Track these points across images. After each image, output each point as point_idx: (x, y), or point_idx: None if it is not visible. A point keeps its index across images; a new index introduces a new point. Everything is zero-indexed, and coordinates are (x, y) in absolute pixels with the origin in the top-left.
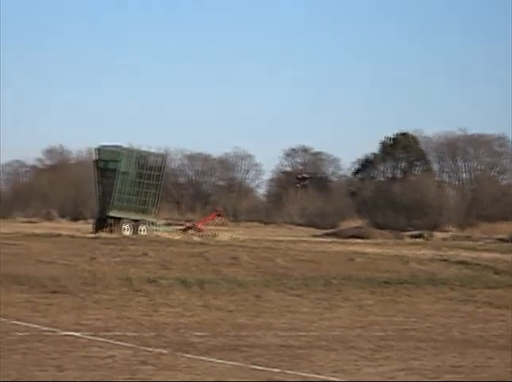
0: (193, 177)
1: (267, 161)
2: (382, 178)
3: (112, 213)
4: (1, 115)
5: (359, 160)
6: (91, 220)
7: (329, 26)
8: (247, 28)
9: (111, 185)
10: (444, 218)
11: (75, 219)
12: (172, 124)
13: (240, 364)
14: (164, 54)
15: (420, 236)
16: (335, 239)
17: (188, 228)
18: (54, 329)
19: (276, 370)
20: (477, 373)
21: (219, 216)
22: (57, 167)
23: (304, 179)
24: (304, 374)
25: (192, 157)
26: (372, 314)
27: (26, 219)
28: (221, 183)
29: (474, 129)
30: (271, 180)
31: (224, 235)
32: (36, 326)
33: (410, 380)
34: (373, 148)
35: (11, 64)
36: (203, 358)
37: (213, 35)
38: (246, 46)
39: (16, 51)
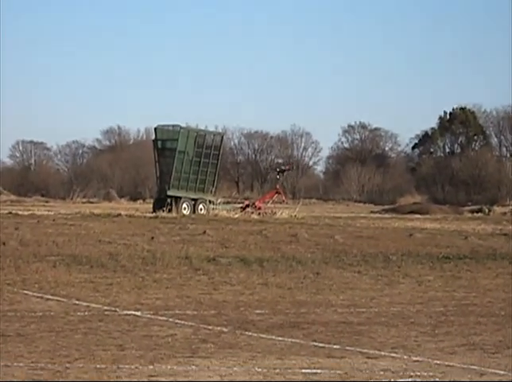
0: (251, 156)
1: (325, 138)
2: (440, 153)
3: (171, 193)
4: (58, 97)
5: (418, 135)
6: (150, 200)
7: (387, 4)
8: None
9: (170, 165)
10: (503, 192)
11: (134, 199)
12: (229, 103)
13: (300, 341)
14: (219, 34)
15: (479, 211)
16: (394, 215)
17: (247, 206)
18: (115, 309)
19: (336, 347)
20: None
21: (278, 193)
22: (116, 148)
23: (283, 171)
24: (364, 350)
25: (250, 136)
26: (432, 290)
27: (85, 199)
28: (279, 161)
29: None
30: (329, 157)
31: (283, 213)
32: (97, 306)
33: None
34: (431, 123)
35: (72, 49)
36: (264, 336)
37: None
38: (305, 24)
39: (74, 41)
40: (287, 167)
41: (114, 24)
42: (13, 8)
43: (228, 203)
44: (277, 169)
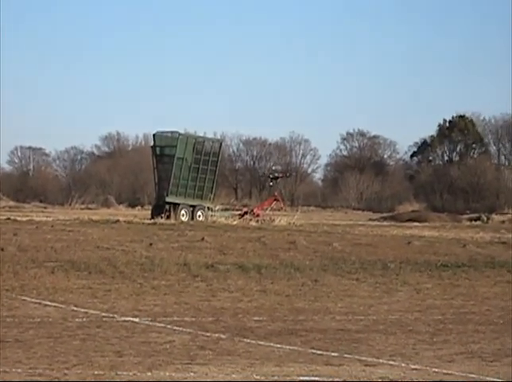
0: (250, 162)
1: (323, 145)
2: (439, 161)
3: (169, 199)
4: (57, 103)
5: (416, 143)
6: (149, 206)
7: (388, 11)
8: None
9: (168, 171)
10: (501, 200)
11: (133, 205)
12: (228, 109)
13: (298, 349)
14: (217, 41)
15: (478, 219)
16: (392, 223)
17: (245, 213)
18: (113, 315)
19: (334, 354)
20: None
21: (276, 200)
22: (114, 154)
23: (276, 178)
24: (362, 358)
25: (249, 143)
26: (430, 298)
27: (84, 205)
28: (273, 167)
29: None
30: (328, 164)
31: (281, 220)
32: (95, 312)
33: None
34: (430, 131)
35: (71, 55)
36: (262, 343)
37: (276, 20)
38: (304, 31)
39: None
40: (280, 174)
41: (114, 30)
42: (12, 11)
43: (226, 210)
44: (270, 176)
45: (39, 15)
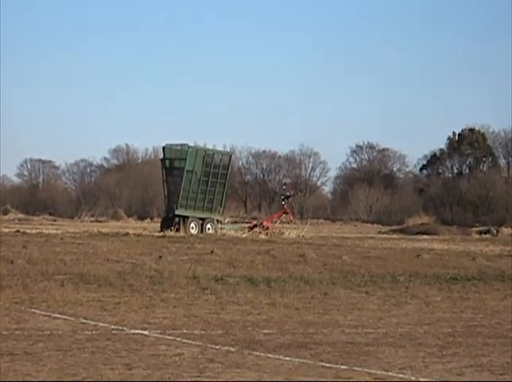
0: (259, 175)
1: (333, 158)
2: (448, 174)
3: (179, 212)
4: (66, 115)
5: (426, 156)
6: (158, 219)
7: (394, 25)
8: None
9: (178, 184)
10: (511, 214)
11: (142, 218)
12: (238, 122)
13: (308, 362)
14: (231, 53)
15: (487, 232)
16: (401, 236)
17: (255, 225)
18: (122, 328)
19: (343, 367)
20: None
21: (286, 213)
22: (124, 166)
23: (288, 197)
24: (371, 371)
25: (258, 155)
26: (440, 311)
27: (93, 218)
28: (287, 181)
29: None
30: (337, 177)
31: (290, 233)
32: (105, 325)
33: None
34: (440, 144)
35: (80, 67)
36: (271, 356)
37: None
38: (313, 43)
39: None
40: (292, 193)
41: (123, 41)
42: (18, 22)
43: (236, 222)
44: (282, 196)
45: (47, 26)
